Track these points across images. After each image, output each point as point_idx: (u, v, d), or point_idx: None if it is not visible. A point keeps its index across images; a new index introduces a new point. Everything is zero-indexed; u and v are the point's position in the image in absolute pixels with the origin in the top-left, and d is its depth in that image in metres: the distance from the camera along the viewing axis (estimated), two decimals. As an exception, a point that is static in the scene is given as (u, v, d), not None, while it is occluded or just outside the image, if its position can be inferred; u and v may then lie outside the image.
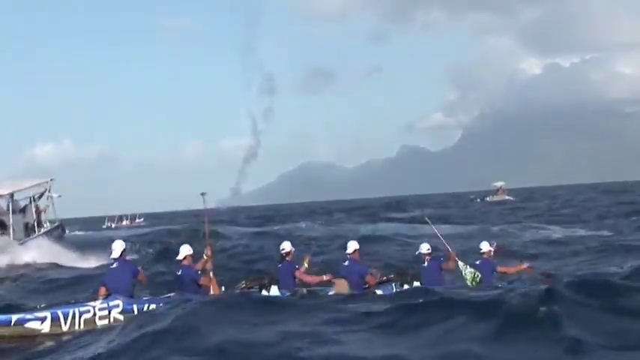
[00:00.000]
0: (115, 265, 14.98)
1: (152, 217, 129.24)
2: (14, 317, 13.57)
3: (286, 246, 17.78)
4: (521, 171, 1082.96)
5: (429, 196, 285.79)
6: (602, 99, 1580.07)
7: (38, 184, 37.01)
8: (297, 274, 17.30)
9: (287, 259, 17.68)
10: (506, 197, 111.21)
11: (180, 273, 15.77)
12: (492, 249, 18.24)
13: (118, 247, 15.06)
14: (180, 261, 15.85)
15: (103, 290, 14.99)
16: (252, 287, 16.44)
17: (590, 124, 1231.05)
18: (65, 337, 13.65)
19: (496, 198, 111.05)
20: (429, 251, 17.95)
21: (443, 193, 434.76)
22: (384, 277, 17.77)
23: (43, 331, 13.64)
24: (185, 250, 15.92)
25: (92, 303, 14.47)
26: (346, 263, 17.39)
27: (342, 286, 16.93)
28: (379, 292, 16.56)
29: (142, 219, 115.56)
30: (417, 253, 18.33)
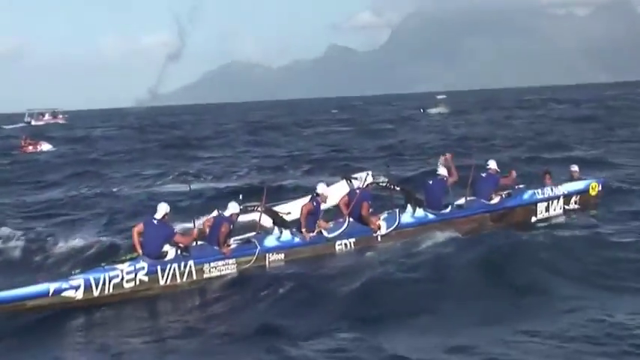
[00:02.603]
0: (154, 224, 15.43)
1: (76, 117, 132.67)
2: (51, 287, 14.28)
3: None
4: (452, 72, 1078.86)
5: (363, 98, 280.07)
6: (530, 0, 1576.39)
7: None
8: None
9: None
10: (447, 111, 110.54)
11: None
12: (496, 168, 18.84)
13: (162, 209, 15.51)
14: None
15: (137, 248, 15.47)
16: (268, 214, 16.85)
17: (520, 25, 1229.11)
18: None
19: (438, 110, 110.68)
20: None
21: (372, 95, 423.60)
22: (393, 186, 18.14)
23: (76, 299, 14.40)
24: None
25: (120, 266, 15.03)
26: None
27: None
28: (382, 224, 17.25)
29: (66, 115, 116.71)
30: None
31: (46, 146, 64.82)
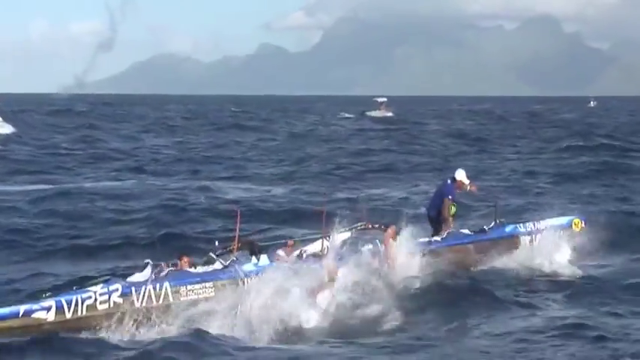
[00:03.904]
0: None
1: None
2: (22, 308, 14.04)
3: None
4: (382, 78, 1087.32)
5: (296, 98, 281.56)
6: (461, 12, 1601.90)
7: None
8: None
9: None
10: (388, 114, 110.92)
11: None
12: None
13: None
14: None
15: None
16: (244, 250, 16.71)
17: (450, 36, 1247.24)
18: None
19: (378, 114, 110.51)
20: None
21: (305, 95, 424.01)
22: (371, 226, 18.01)
23: (48, 320, 14.14)
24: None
25: (93, 288, 14.75)
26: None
27: None
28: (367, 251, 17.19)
29: None
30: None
31: None
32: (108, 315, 14.43)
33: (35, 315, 13.97)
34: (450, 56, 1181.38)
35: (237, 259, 16.29)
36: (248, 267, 16.15)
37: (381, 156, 45.80)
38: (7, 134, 59.91)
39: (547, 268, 18.44)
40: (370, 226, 18.09)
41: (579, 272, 18.06)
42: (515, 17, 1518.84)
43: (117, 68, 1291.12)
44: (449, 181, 19.15)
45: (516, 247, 19.16)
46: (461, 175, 19.03)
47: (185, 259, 15.87)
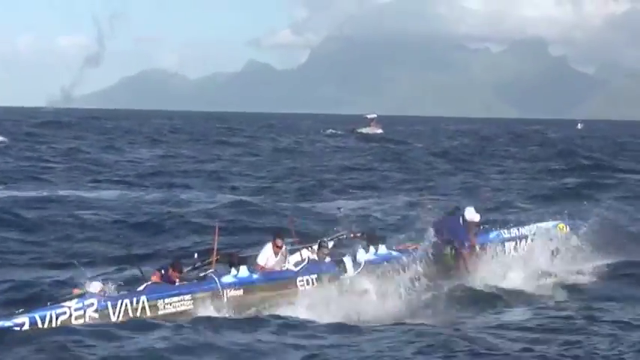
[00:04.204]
0: None
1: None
2: None
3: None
4: (369, 97, 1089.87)
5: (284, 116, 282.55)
6: (449, 33, 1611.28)
7: None
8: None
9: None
10: (378, 131, 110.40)
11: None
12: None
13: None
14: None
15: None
16: (223, 262, 16.62)
17: (437, 57, 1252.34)
18: None
19: (368, 130, 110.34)
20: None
21: (292, 113, 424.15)
22: (353, 235, 18.21)
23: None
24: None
25: (67, 304, 14.55)
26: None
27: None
28: (348, 261, 17.23)
29: None
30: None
31: None
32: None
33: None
34: (437, 76, 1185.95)
35: (216, 271, 16.21)
36: (227, 279, 16.04)
37: (362, 172, 45.38)
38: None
39: (528, 273, 18.29)
40: (352, 235, 18.25)
41: (563, 277, 18.25)
42: (502, 39, 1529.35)
43: (105, 83, 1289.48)
44: (460, 221, 18.60)
45: (502, 254, 18.89)
46: (471, 214, 18.58)
47: (173, 271, 15.77)
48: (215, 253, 16.51)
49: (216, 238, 16.46)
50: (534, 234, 19.51)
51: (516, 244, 19.41)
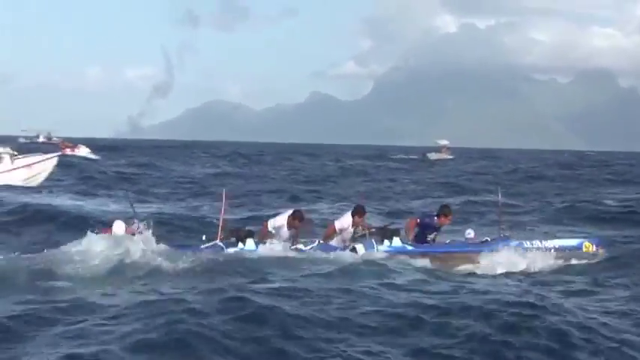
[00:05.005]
0: None
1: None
2: None
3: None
4: (432, 128, 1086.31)
5: (350, 147, 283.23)
6: (515, 63, 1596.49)
7: None
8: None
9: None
10: (449, 157, 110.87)
11: None
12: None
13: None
14: None
15: None
16: (228, 239, 16.75)
17: (502, 88, 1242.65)
18: None
19: (438, 156, 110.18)
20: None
21: (355, 144, 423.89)
22: (367, 230, 17.98)
23: None
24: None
25: None
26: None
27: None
28: (360, 248, 17.18)
29: (59, 140, 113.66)
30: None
31: (84, 149, 74.67)
32: None
33: None
34: (502, 108, 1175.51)
35: (222, 245, 16.46)
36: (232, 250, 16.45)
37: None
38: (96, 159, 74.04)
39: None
40: (367, 229, 18.12)
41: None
42: (570, 70, 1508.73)
43: (170, 114, 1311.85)
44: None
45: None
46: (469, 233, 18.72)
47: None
48: (221, 226, 16.75)
49: (224, 206, 16.83)
50: (557, 248, 18.42)
51: (536, 255, 18.15)
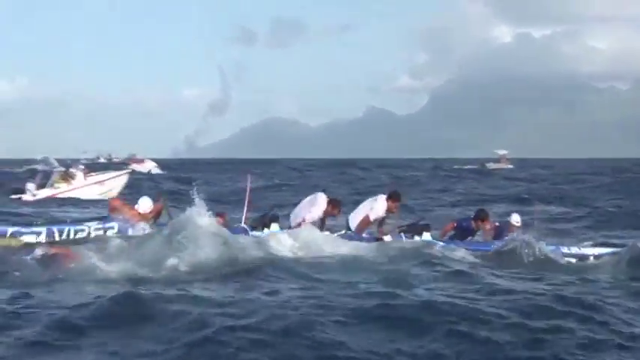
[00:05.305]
0: None
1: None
2: (10, 229, 14.07)
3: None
4: (489, 140, 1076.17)
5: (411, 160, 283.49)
6: (573, 72, 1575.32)
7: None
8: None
9: None
10: (508, 166, 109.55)
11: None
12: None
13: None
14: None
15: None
16: (255, 227, 16.55)
17: (560, 96, 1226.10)
18: None
19: (498, 166, 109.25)
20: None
21: (412, 158, 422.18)
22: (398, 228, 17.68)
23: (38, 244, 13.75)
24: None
25: (88, 223, 14.76)
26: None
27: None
28: (388, 238, 16.93)
29: (117, 158, 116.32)
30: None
31: (150, 163, 79.41)
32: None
33: (24, 237, 14.08)
34: (560, 117, 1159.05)
35: (247, 228, 16.24)
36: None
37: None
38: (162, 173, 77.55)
39: None
40: (397, 228, 17.86)
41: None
42: (630, 77, 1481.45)
43: (226, 132, 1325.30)
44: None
45: None
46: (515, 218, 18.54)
47: (221, 217, 15.94)
48: (247, 204, 16.62)
49: (249, 188, 16.84)
50: (596, 256, 17.64)
51: (575, 261, 17.61)
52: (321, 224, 16.98)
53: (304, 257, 14.89)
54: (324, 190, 17.55)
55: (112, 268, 12.57)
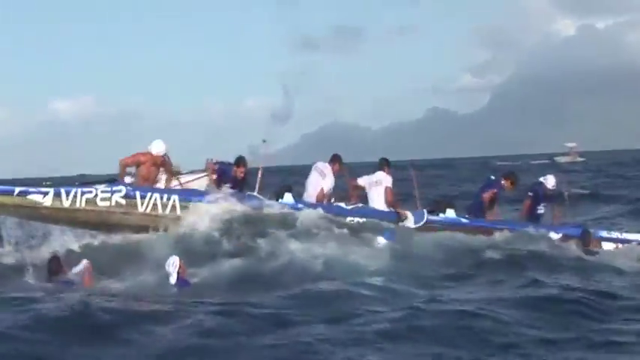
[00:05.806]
0: None
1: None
2: (17, 189, 14.19)
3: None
4: (557, 134, 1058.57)
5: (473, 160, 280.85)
6: (638, 62, 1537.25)
7: None
8: None
9: None
10: (579, 159, 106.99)
11: None
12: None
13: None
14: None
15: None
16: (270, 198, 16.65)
17: (626, 87, 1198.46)
18: None
19: (568, 159, 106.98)
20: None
21: (478, 157, 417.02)
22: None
23: (44, 205, 14.13)
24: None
25: (96, 186, 14.78)
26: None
27: None
28: (409, 217, 16.42)
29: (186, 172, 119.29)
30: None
31: None
32: (109, 214, 14.40)
33: (31, 197, 14.09)
34: (627, 108, 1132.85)
35: (261, 198, 15.87)
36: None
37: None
38: None
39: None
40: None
41: None
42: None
43: (288, 140, 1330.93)
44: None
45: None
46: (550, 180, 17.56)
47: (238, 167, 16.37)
48: (261, 175, 16.34)
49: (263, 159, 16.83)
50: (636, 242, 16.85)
51: (616, 246, 16.85)
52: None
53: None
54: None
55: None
